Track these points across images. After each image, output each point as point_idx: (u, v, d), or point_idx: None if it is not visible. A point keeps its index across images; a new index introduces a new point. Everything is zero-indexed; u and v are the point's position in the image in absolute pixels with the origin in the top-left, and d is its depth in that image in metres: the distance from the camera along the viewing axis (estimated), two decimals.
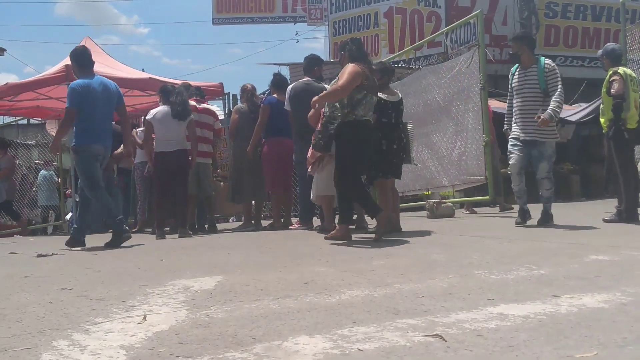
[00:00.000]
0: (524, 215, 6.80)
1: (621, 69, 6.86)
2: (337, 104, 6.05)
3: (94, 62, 7.23)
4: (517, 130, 6.71)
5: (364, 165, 6.23)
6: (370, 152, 6.23)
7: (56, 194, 12.89)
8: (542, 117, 6.34)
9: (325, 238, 6.15)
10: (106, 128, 7.14)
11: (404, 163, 6.73)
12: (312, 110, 6.61)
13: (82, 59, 7.13)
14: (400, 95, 6.70)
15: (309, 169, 7.04)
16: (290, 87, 7.91)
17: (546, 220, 6.70)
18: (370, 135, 6.16)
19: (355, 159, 6.03)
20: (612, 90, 6.69)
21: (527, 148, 6.62)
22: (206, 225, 8.80)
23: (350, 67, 5.99)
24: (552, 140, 6.62)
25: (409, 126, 6.77)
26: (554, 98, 6.43)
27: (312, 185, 7.03)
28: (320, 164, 6.75)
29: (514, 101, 6.87)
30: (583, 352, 1.99)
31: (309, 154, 6.90)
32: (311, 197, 7.09)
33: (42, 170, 14.56)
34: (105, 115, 7.15)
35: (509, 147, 6.78)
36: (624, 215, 6.67)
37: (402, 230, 6.67)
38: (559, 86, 6.47)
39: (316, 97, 6.20)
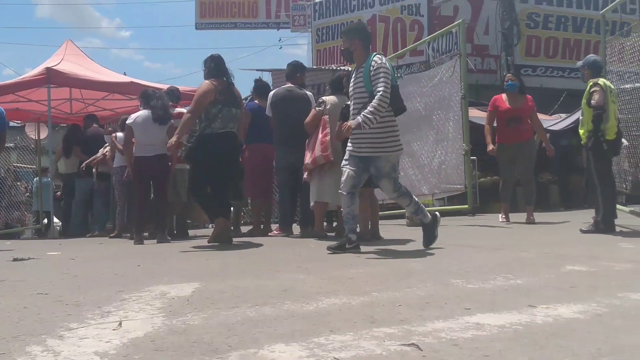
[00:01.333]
0: (346, 243, 5.51)
1: (601, 80, 6.89)
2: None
3: None
4: (350, 144, 5.66)
5: (220, 173, 6.66)
6: (233, 159, 6.77)
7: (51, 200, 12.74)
8: (347, 123, 5.48)
9: (209, 241, 6.82)
10: None
11: None
12: (310, 117, 6.87)
13: None
14: None
15: (305, 175, 7.11)
16: (271, 93, 7.92)
17: (430, 240, 5.72)
18: (230, 144, 6.68)
19: (207, 168, 6.59)
20: (592, 102, 6.67)
21: (363, 164, 5.57)
22: (175, 232, 8.76)
23: (201, 88, 6.67)
24: (388, 154, 5.54)
25: None
26: (373, 101, 5.36)
27: (310, 192, 7.17)
28: (320, 171, 6.86)
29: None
30: None
31: (308, 160, 6.94)
32: (311, 205, 7.17)
33: (37, 177, 14.28)
34: None
35: (342, 161, 5.76)
36: (601, 226, 6.72)
37: (382, 238, 6.68)
38: (382, 87, 5.34)
39: (173, 138, 6.60)
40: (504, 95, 8.99)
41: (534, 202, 8.89)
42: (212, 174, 6.62)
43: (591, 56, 7.56)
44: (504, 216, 9.01)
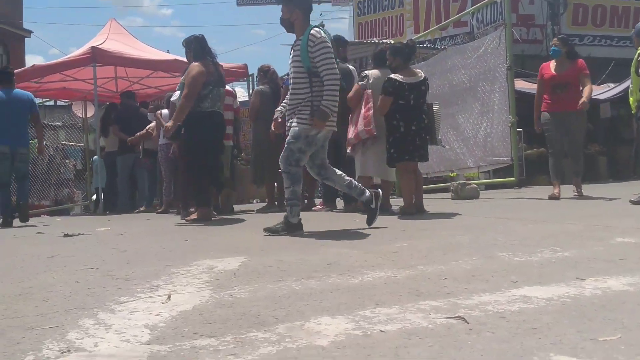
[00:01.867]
0: (281, 228, 5.26)
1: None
2: None
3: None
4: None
5: (210, 152, 6.84)
6: (219, 138, 6.96)
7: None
8: (315, 121, 5.15)
9: (186, 220, 6.90)
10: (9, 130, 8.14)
11: (431, 144, 6.70)
12: (352, 92, 6.86)
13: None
14: (422, 75, 6.62)
15: (349, 150, 7.12)
16: None
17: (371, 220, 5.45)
18: (218, 124, 6.86)
19: (201, 146, 6.74)
20: None
21: None
22: (219, 207, 8.81)
23: (193, 71, 6.67)
24: (304, 126, 5.18)
25: (435, 107, 6.71)
26: (324, 87, 5.11)
27: (355, 166, 7.21)
28: (364, 146, 6.86)
29: None
30: (607, 335, 1.97)
31: (351, 135, 6.95)
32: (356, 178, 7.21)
33: (96, 157, 14.49)
34: (10, 120, 8.17)
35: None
36: None
37: (427, 212, 6.64)
38: (326, 66, 5.08)
39: (170, 123, 6.75)
40: (551, 63, 8.19)
41: (581, 174, 8.17)
42: (207, 152, 6.81)
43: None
44: (557, 191, 7.79)
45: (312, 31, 5.16)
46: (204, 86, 6.66)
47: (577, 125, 7.96)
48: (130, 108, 11.52)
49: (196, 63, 6.77)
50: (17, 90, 8.68)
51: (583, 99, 7.47)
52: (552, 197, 7.68)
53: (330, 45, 5.17)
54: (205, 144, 6.77)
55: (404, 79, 6.38)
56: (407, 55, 6.67)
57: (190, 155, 6.97)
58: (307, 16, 5.40)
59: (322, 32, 5.19)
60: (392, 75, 6.42)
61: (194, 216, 6.86)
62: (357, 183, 5.59)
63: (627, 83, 7.90)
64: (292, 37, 5.44)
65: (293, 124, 5.23)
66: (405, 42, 7.21)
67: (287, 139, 5.25)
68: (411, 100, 6.36)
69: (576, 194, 8.03)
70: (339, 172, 5.51)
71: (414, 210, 6.47)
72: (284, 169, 5.30)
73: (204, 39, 7.05)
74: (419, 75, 6.57)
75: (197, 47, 6.93)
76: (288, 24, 5.44)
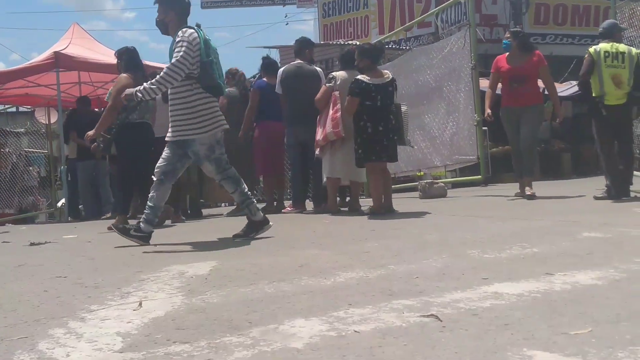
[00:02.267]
0: (132, 229, 5.21)
1: (592, 48, 6.95)
2: None
3: None
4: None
5: (140, 161, 6.79)
6: (148, 148, 6.87)
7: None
8: (126, 92, 5.20)
9: (108, 228, 6.49)
10: None
11: (399, 145, 6.73)
12: (320, 94, 6.87)
13: None
14: (390, 76, 6.66)
15: (317, 151, 7.12)
16: (281, 70, 7.89)
17: (245, 234, 5.20)
18: (146, 134, 6.94)
19: (129, 156, 6.92)
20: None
21: (181, 149, 5.18)
22: (188, 211, 8.74)
23: (119, 83, 6.79)
24: (200, 135, 5.10)
25: (404, 108, 6.74)
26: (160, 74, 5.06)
27: (322, 168, 7.22)
28: (332, 147, 6.86)
29: None
30: (577, 329, 2.01)
31: (319, 137, 6.95)
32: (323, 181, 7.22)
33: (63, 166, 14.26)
34: None
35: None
36: (613, 192, 6.69)
37: (396, 211, 6.67)
38: (174, 59, 4.94)
39: (91, 132, 6.86)
40: (506, 56, 7.70)
41: (533, 174, 7.65)
42: (136, 161, 6.86)
43: (605, 22, 7.55)
44: (529, 189, 7.45)
45: (179, 31, 5.02)
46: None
47: (531, 119, 7.44)
48: (87, 114, 11.35)
49: (125, 75, 6.87)
50: None
51: (561, 114, 8.20)
52: (518, 196, 7.60)
53: (191, 42, 4.95)
54: (133, 153, 6.87)
55: (371, 80, 6.40)
56: (375, 57, 6.70)
57: (119, 164, 7.31)
58: (183, 18, 5.21)
59: (189, 31, 5.00)
60: (359, 77, 6.44)
61: (115, 221, 6.76)
62: (253, 201, 5.40)
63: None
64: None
65: (191, 137, 5.10)
66: (372, 43, 7.24)
67: (203, 153, 5.17)
68: (378, 101, 6.38)
69: (524, 194, 7.45)
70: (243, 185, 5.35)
71: (383, 211, 6.49)
72: (222, 178, 5.30)
73: (136, 51, 7.20)
74: (387, 76, 6.60)
75: (127, 58, 7.06)
76: (162, 25, 5.30)
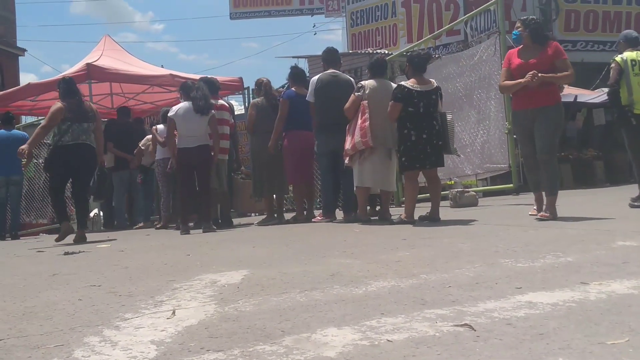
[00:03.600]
0: None
1: (619, 57, 6.97)
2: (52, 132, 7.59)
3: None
4: None
5: (65, 179, 7.87)
6: (85, 166, 7.66)
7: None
8: None
9: (56, 240, 7.39)
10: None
11: (446, 153, 6.70)
12: (349, 103, 6.90)
13: None
14: (435, 84, 6.65)
15: (346, 161, 7.12)
16: (315, 78, 7.90)
17: None
18: (82, 154, 7.56)
19: (57, 175, 7.72)
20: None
21: None
22: (219, 221, 8.79)
23: (52, 108, 7.58)
24: None
25: (449, 116, 6.73)
26: None
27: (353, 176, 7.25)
28: (361, 157, 6.87)
29: None
30: (614, 339, 1.98)
31: (348, 146, 6.96)
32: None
33: None
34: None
35: None
36: None
37: (440, 220, 6.57)
38: None
39: (25, 146, 7.48)
40: (519, 49, 6.42)
41: (555, 192, 6.10)
42: (64, 179, 7.89)
43: (625, 31, 7.52)
44: (535, 209, 6.43)
45: None
46: (63, 122, 7.49)
47: (548, 125, 6.05)
48: (124, 125, 11.49)
49: (57, 102, 7.78)
50: (15, 131, 10.88)
51: (547, 76, 5.98)
52: (534, 215, 6.30)
53: None
54: (61, 173, 7.71)
55: (414, 86, 6.41)
56: (417, 65, 6.65)
57: (49, 182, 8.49)
58: None
59: None
60: (402, 82, 6.47)
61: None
62: None
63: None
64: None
65: None
66: (419, 51, 7.22)
67: None
68: (421, 108, 6.37)
69: (543, 215, 6.07)
70: None
71: (413, 220, 6.48)
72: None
73: (71, 80, 8.29)
74: (432, 83, 6.60)
75: (64, 87, 7.90)
76: None
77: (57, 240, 7.43)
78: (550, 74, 5.97)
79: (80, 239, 7.43)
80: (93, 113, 7.83)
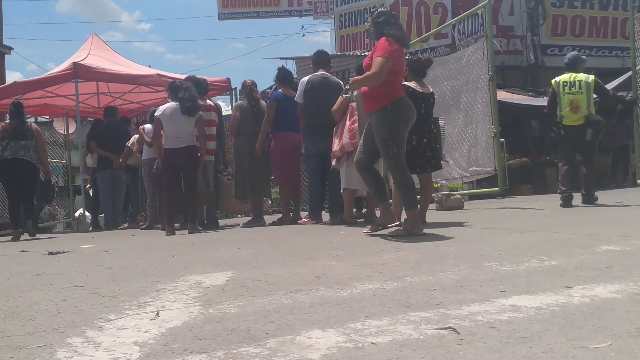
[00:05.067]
0: None
1: (554, 80, 8.25)
2: None
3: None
4: None
5: (11, 187, 9.38)
6: (24, 178, 9.13)
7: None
8: None
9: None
10: None
11: None
12: (337, 105, 6.88)
13: None
14: (431, 90, 6.69)
15: (333, 162, 7.12)
16: (305, 79, 7.88)
17: None
18: (19, 167, 9.02)
19: (5, 184, 9.63)
20: None
21: None
22: (205, 222, 8.77)
23: None
24: None
25: (441, 122, 6.77)
26: None
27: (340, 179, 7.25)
28: (349, 159, 6.87)
29: None
30: (597, 343, 1.99)
31: (336, 148, 6.96)
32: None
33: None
34: None
35: None
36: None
37: (426, 223, 6.59)
38: None
39: None
40: None
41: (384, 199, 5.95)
42: (11, 188, 9.39)
43: (569, 54, 8.66)
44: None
45: None
46: (2, 140, 9.03)
47: (376, 130, 5.65)
48: (110, 124, 11.44)
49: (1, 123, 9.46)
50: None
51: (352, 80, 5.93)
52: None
53: None
54: (6, 182, 9.50)
55: (416, 88, 6.42)
56: (417, 70, 6.65)
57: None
58: None
59: None
60: (406, 83, 6.47)
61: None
62: None
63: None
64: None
65: None
66: (420, 56, 7.37)
67: None
68: (422, 110, 6.37)
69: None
70: None
71: (400, 222, 6.49)
72: None
73: (19, 104, 9.50)
74: (429, 88, 6.64)
75: (10, 109, 9.33)
76: None
77: (12, 240, 8.87)
78: (355, 77, 5.88)
79: (32, 232, 9.18)
80: (31, 132, 9.25)
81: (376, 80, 5.46)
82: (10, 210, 9.53)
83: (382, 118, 5.52)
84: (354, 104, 6.86)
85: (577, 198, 8.04)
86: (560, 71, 8.19)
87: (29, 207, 9.46)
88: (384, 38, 5.56)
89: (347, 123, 6.83)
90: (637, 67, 9.24)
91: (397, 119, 5.53)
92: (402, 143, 5.61)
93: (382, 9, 5.95)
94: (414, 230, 5.45)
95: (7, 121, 9.44)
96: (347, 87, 7.18)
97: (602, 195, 8.70)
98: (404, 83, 6.48)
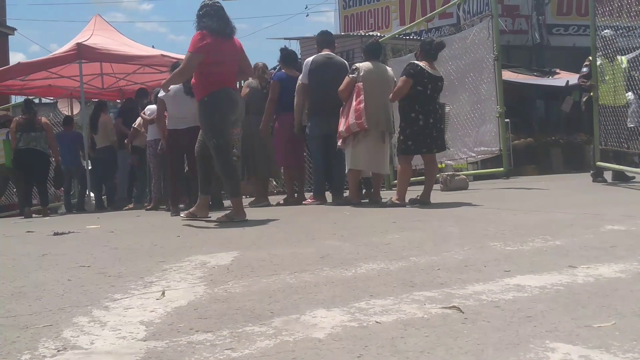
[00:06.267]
0: None
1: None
2: None
3: None
4: None
5: (27, 173, 10.46)
6: (36, 166, 10.27)
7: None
8: None
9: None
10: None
11: None
12: (344, 85, 6.85)
13: None
14: (440, 74, 6.69)
15: (339, 143, 7.09)
16: (310, 59, 7.83)
17: None
18: (32, 156, 10.15)
19: (20, 170, 10.47)
20: None
21: None
22: (210, 202, 8.74)
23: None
24: None
25: (447, 108, 6.77)
26: None
27: (345, 159, 7.24)
28: (354, 139, 6.85)
29: None
30: (601, 322, 1.99)
31: (342, 128, 6.93)
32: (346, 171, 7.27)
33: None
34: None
35: None
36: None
37: (431, 203, 6.61)
38: None
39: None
40: None
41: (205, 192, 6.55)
42: (27, 174, 10.45)
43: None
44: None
45: None
46: (16, 132, 10.19)
47: (199, 121, 6.15)
48: (136, 106, 11.41)
49: (15, 117, 10.86)
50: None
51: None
52: None
53: None
54: (22, 168, 10.41)
55: (425, 67, 6.40)
56: (427, 51, 6.62)
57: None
58: None
59: None
60: (415, 61, 6.43)
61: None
62: None
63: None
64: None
65: None
66: (434, 38, 7.33)
67: None
68: (428, 90, 6.36)
69: None
70: None
71: (404, 203, 6.49)
72: None
73: (30, 100, 11.17)
74: (438, 71, 6.62)
75: (24, 106, 10.74)
76: None
77: (25, 217, 9.91)
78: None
79: (44, 214, 10.49)
80: (41, 125, 10.38)
81: (181, 76, 6.12)
82: (20, 192, 10.87)
83: (200, 109, 5.87)
84: (360, 84, 6.83)
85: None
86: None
87: (44, 192, 10.86)
88: (197, 32, 5.78)
89: (354, 103, 6.80)
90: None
91: (212, 110, 5.80)
92: (221, 134, 5.90)
93: (208, 1, 5.92)
94: (235, 217, 5.88)
95: (21, 116, 10.56)
96: (354, 67, 7.16)
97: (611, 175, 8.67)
98: (413, 61, 6.46)
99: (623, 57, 8.40)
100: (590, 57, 8.57)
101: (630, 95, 8.68)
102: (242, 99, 6.89)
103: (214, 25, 5.76)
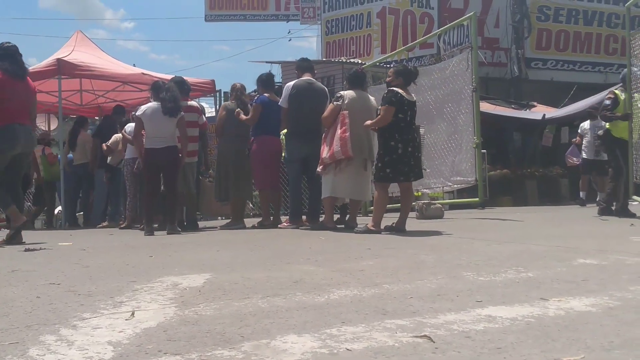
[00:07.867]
0: None
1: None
2: None
3: None
4: None
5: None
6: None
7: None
8: None
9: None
10: None
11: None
12: (327, 112, 6.90)
13: None
14: (414, 99, 6.74)
15: (319, 169, 7.10)
16: (291, 84, 7.87)
17: None
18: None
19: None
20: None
21: None
22: (184, 223, 8.72)
23: None
24: None
25: (422, 130, 6.81)
26: None
27: (323, 185, 7.27)
28: (337, 167, 6.87)
29: None
30: (570, 355, 2.00)
31: (325, 155, 6.93)
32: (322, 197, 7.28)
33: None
34: None
35: None
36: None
37: (406, 231, 6.63)
38: None
39: None
40: None
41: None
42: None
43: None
44: None
45: None
46: None
47: None
48: (114, 123, 11.34)
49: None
50: None
51: None
52: None
53: None
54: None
55: (404, 94, 6.44)
56: (408, 78, 6.68)
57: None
58: None
59: None
60: (394, 88, 6.47)
61: None
62: None
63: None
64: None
65: None
66: (409, 66, 7.42)
67: None
68: (408, 117, 6.41)
69: None
70: None
71: (380, 230, 6.50)
72: None
73: None
74: (412, 96, 6.68)
75: None
76: None
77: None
78: None
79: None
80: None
81: None
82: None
83: None
84: (345, 112, 6.86)
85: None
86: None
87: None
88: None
89: (339, 131, 6.81)
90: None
91: None
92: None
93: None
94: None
95: None
96: (339, 94, 7.20)
97: (586, 209, 8.77)
98: (391, 88, 6.51)
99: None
100: (616, 90, 8.71)
101: None
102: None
103: (5, 65, 6.70)
